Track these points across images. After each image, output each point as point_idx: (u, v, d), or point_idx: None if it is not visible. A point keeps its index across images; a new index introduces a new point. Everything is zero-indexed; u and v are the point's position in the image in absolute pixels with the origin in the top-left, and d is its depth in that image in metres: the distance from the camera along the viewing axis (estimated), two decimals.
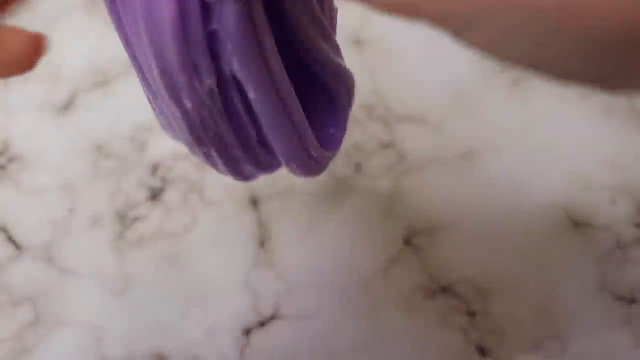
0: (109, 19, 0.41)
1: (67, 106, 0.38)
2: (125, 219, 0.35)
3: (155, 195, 0.36)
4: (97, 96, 0.38)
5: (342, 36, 0.40)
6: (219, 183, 0.36)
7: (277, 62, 0.23)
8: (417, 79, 0.38)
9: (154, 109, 0.25)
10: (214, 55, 0.21)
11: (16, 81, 0.39)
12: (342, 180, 0.36)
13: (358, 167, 0.36)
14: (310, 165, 0.26)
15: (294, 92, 0.24)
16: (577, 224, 0.34)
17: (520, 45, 0.17)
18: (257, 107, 0.23)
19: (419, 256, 0.34)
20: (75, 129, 0.37)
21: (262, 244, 0.34)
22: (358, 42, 0.40)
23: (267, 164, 0.25)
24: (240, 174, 0.26)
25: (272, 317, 0.33)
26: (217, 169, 0.25)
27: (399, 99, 0.38)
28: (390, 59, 0.39)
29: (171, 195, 0.35)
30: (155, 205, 0.35)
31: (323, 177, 0.36)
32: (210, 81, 0.22)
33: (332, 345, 0.32)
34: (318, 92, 0.26)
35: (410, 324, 0.32)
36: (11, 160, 0.37)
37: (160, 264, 0.34)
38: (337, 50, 0.26)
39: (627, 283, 0.33)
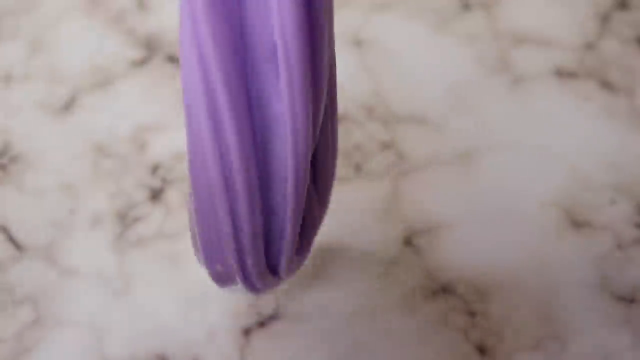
0: (108, 19, 0.41)
1: (67, 106, 0.38)
2: (125, 219, 0.35)
3: (155, 195, 0.36)
4: (97, 96, 0.38)
5: (342, 36, 0.40)
6: None
7: None
8: (417, 79, 0.38)
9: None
10: None
11: (16, 81, 0.39)
12: (342, 180, 0.36)
13: (358, 167, 0.36)
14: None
15: None
16: (577, 224, 0.34)
17: None
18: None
19: (419, 256, 0.34)
20: (75, 129, 0.38)
21: None
22: (358, 42, 0.40)
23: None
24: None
25: (272, 317, 0.33)
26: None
27: (399, 99, 0.38)
28: (390, 59, 0.39)
29: (171, 195, 0.36)
30: (155, 205, 0.35)
31: None
32: None
33: (332, 345, 0.32)
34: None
35: (410, 324, 0.32)
36: (11, 160, 0.37)
37: (161, 264, 0.34)
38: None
39: (627, 283, 0.33)
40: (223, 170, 0.22)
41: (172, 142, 0.37)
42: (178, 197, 0.36)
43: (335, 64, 0.24)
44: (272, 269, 0.26)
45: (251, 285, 0.26)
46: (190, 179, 0.23)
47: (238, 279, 0.26)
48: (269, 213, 0.24)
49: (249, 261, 0.25)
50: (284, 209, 0.24)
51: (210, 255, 0.25)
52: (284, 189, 0.23)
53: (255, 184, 0.23)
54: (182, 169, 0.36)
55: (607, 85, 0.38)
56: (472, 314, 0.33)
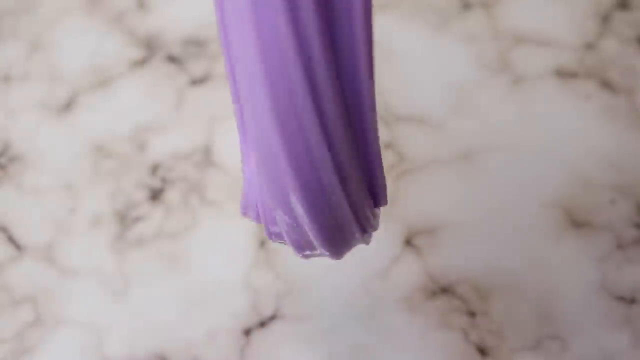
0: (108, 19, 0.41)
1: (67, 106, 0.38)
2: (125, 219, 0.35)
3: (155, 195, 0.36)
4: (97, 96, 0.38)
5: None
6: (219, 183, 0.36)
7: None
8: (417, 79, 0.38)
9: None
10: None
11: (16, 81, 0.39)
12: None
13: None
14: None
15: None
16: (577, 224, 0.34)
17: None
18: None
19: (419, 256, 0.34)
20: (75, 129, 0.38)
21: (262, 244, 0.34)
22: None
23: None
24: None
25: (272, 317, 0.33)
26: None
27: (399, 99, 0.38)
28: (390, 59, 0.39)
29: (171, 195, 0.36)
30: (155, 205, 0.35)
31: None
32: None
33: (332, 345, 0.32)
34: None
35: (410, 324, 0.32)
36: (11, 160, 0.37)
37: (160, 264, 0.34)
38: None
39: (627, 283, 0.33)
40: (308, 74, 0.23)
41: (172, 142, 0.37)
42: (178, 197, 0.36)
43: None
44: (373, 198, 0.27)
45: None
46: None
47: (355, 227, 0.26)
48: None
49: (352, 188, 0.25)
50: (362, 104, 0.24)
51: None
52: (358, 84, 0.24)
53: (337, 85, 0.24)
54: (182, 169, 0.36)
55: (607, 85, 0.38)
56: (472, 314, 0.33)
